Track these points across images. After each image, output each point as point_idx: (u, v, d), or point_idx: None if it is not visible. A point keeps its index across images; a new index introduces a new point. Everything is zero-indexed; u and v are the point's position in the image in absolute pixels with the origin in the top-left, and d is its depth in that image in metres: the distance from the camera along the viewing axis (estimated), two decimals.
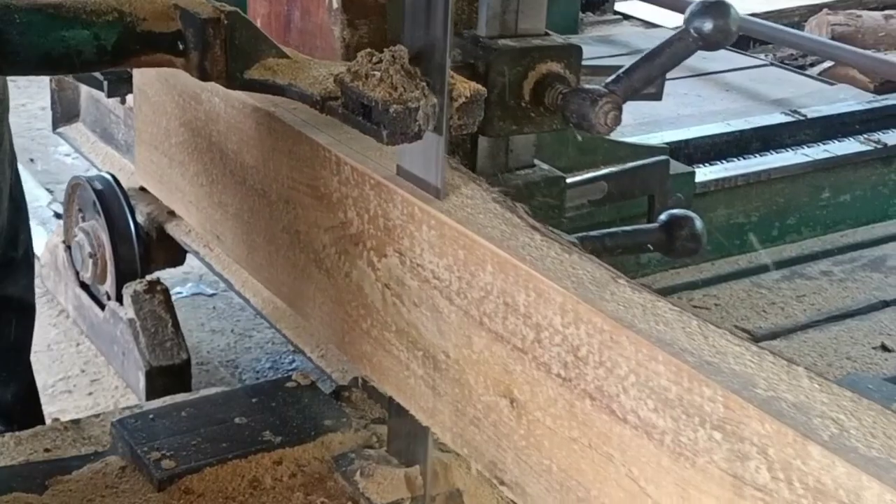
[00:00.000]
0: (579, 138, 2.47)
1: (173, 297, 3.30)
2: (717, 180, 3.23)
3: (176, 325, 3.12)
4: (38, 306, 3.15)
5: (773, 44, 5.99)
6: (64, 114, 4.05)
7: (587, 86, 2.14)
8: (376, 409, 2.18)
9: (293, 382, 2.25)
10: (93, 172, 3.51)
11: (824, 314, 3.05)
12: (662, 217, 2.28)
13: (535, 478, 1.59)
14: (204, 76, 1.91)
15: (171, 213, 3.13)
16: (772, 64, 5.61)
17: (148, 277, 3.21)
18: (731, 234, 3.33)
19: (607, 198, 2.45)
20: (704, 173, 3.25)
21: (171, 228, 3.31)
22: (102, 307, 3.27)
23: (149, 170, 2.84)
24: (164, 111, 2.58)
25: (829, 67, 5.36)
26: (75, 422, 2.21)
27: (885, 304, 3.12)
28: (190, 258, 3.28)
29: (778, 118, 3.85)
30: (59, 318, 3.28)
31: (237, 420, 2.12)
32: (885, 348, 2.88)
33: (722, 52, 5.87)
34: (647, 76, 2.12)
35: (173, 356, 3.13)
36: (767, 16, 6.19)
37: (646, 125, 4.21)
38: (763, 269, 3.26)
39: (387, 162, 1.85)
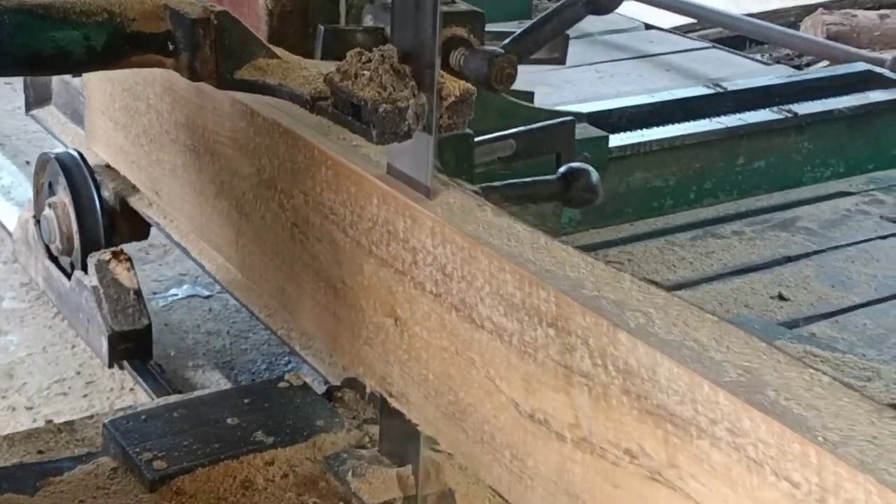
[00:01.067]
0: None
1: (169, 300, 3.37)
2: (632, 145, 3.38)
3: (138, 292, 3.24)
4: (33, 309, 3.25)
5: (769, 43, 6.01)
6: (37, 97, 4.17)
7: (485, 47, 2.31)
8: (368, 410, 2.15)
9: (285, 383, 2.21)
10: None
11: (729, 268, 3.21)
12: (561, 170, 2.45)
13: (416, 387, 1.76)
14: (194, 76, 1.90)
15: (135, 188, 3.25)
16: (714, 46, 5.76)
17: (112, 248, 3.32)
18: (648, 197, 3.49)
19: (516, 155, 2.60)
20: (621, 138, 3.40)
21: (135, 202, 3.45)
22: (69, 277, 3.39)
23: (97, 134, 3.01)
24: (108, 78, 2.74)
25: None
26: (69, 423, 2.19)
27: (788, 260, 3.27)
28: (185, 263, 3.30)
29: (699, 90, 4.00)
30: (54, 320, 3.25)
31: (229, 421, 2.09)
32: (781, 297, 3.03)
33: (667, 35, 6.06)
34: (539, 39, 2.28)
35: (135, 321, 3.24)
36: (763, 15, 6.14)
37: (584, 101, 4.36)
38: (677, 229, 3.42)
39: (293, 110, 2.00)
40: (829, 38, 5.33)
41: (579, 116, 3.25)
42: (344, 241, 1.87)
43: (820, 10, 5.84)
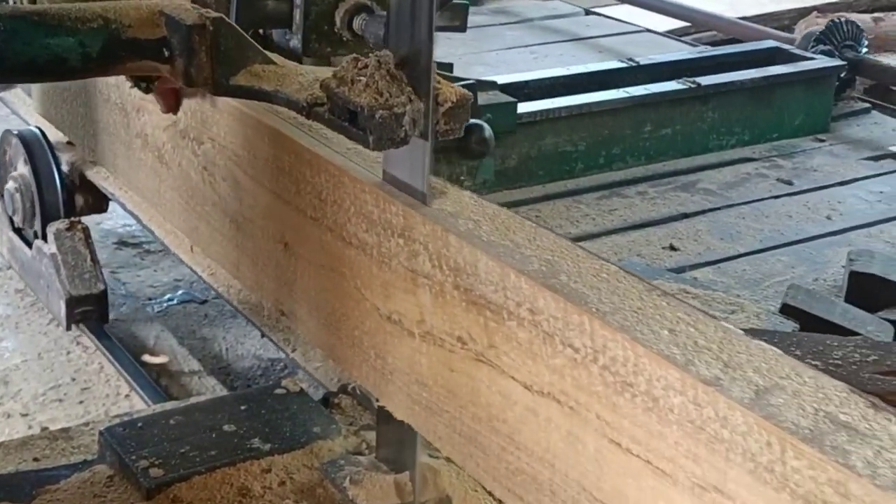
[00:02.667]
0: None
1: (164, 305, 3.35)
2: (542, 111, 3.59)
3: (94, 259, 3.37)
4: (28, 315, 3.24)
5: None
6: None
7: (384, 12, 2.49)
8: (365, 416, 2.14)
9: (282, 389, 2.19)
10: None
11: (629, 223, 3.42)
12: None
13: (302, 303, 1.95)
14: (189, 82, 1.86)
15: (93, 162, 3.40)
16: (647, 31, 5.97)
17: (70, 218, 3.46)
18: (559, 161, 3.70)
19: None
20: (531, 105, 3.60)
21: (92, 175, 3.62)
22: (31, 247, 3.53)
23: (42, 100, 3.20)
24: None
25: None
26: (65, 431, 2.16)
27: (685, 216, 3.49)
28: (180, 268, 3.33)
29: (613, 64, 4.22)
30: (49, 326, 3.19)
31: (226, 428, 2.05)
32: (672, 248, 3.25)
33: (605, 20, 6.26)
34: None
35: (91, 286, 3.38)
36: (757, 19, 6.16)
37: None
38: (586, 190, 3.64)
39: None
40: None
41: (492, 85, 3.46)
42: (244, 178, 2.07)
43: (814, 13, 5.76)
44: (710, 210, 3.56)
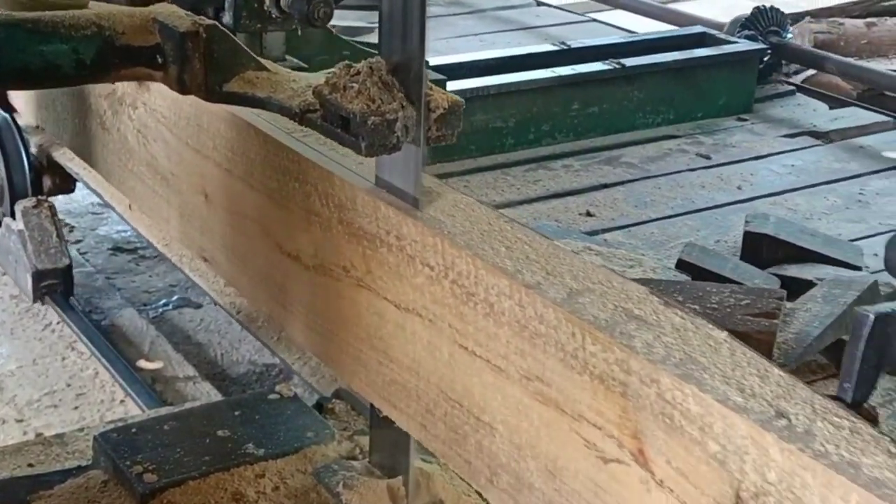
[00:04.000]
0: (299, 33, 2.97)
1: (159, 310, 3.34)
2: (472, 89, 3.76)
3: (60, 235, 3.50)
4: (22, 321, 3.24)
5: None
6: None
7: None
8: (359, 421, 2.15)
9: (276, 395, 2.20)
10: None
11: (550, 192, 3.61)
12: None
13: (221, 250, 2.13)
14: (183, 89, 1.87)
15: (59, 144, 3.53)
16: (592, 20, 6.16)
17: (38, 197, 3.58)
18: (490, 136, 3.88)
19: None
20: (462, 83, 3.78)
21: (58, 156, 3.77)
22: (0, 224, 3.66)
23: None
24: None
25: (812, 75, 5.24)
26: (59, 436, 2.17)
27: (604, 186, 3.68)
28: (175, 274, 3.36)
29: (546, 47, 4.40)
30: (44, 332, 3.15)
31: (220, 433, 2.06)
32: (588, 214, 3.44)
33: (555, 11, 6.44)
34: None
35: (56, 261, 3.53)
36: None
37: None
38: (514, 163, 3.82)
39: None
40: (816, 46, 5.31)
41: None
42: (171, 137, 2.24)
43: (807, 18, 5.72)
44: (629, 181, 3.74)
